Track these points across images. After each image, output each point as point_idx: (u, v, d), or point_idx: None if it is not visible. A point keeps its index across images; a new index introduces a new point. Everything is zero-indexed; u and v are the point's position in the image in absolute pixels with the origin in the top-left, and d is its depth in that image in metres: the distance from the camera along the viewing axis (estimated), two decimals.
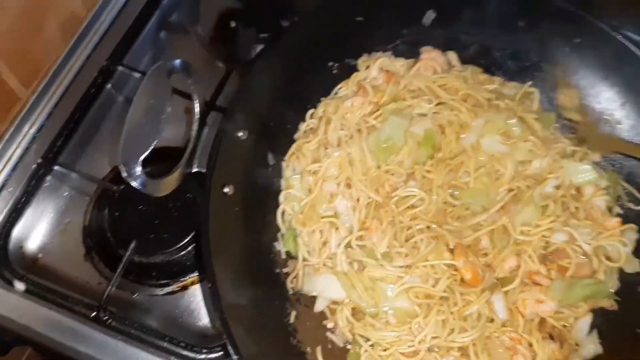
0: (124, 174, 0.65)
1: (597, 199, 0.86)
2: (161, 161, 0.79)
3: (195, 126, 0.73)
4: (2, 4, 0.83)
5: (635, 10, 0.95)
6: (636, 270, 0.84)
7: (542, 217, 0.82)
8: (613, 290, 0.83)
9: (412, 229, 0.81)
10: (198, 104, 0.73)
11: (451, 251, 0.78)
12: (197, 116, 0.73)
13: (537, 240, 0.81)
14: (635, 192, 0.89)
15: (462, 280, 0.77)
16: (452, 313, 0.76)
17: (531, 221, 0.81)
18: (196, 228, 0.88)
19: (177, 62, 0.71)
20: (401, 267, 0.79)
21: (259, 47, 1.04)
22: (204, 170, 0.73)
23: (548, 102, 0.95)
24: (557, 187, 0.84)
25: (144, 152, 0.66)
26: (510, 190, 0.83)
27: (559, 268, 0.83)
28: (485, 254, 0.80)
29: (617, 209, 0.88)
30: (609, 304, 0.82)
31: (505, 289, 0.79)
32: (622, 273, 0.84)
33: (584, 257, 0.83)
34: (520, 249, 0.81)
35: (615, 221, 0.87)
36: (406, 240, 0.81)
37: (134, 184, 0.66)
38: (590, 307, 0.82)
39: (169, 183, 0.69)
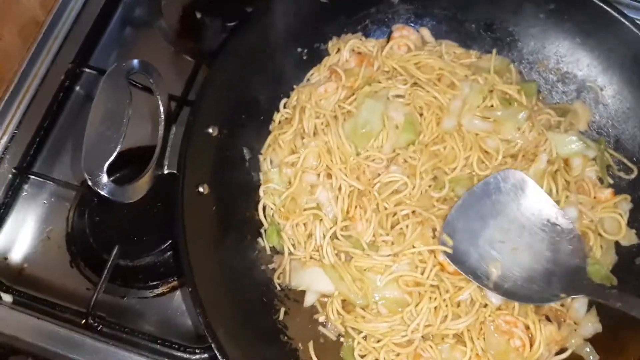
0: (90, 183, 0.64)
1: (587, 171, 0.85)
2: (132, 163, 0.77)
3: (161, 126, 0.71)
4: None
5: None
6: (632, 243, 0.83)
7: None
8: (611, 265, 0.82)
9: (397, 215, 0.80)
10: (162, 102, 0.71)
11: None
12: (162, 115, 0.71)
13: None
14: (625, 160, 0.88)
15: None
16: (444, 300, 0.75)
17: None
18: (172, 232, 0.87)
19: (135, 62, 0.69)
20: (388, 255, 0.78)
21: None
22: (175, 172, 0.71)
23: (529, 72, 0.94)
24: (548, 162, 0.83)
25: (107, 159, 0.64)
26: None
27: None
28: None
29: (608, 179, 0.87)
30: (608, 282, 0.80)
31: None
32: (618, 246, 0.83)
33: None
34: None
35: (608, 192, 0.86)
36: (392, 227, 0.80)
37: (102, 192, 0.64)
38: None
39: (140, 188, 0.68)
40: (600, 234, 0.83)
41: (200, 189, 0.73)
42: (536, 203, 0.78)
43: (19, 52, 0.96)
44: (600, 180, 0.88)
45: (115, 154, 0.64)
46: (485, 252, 0.77)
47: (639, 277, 0.80)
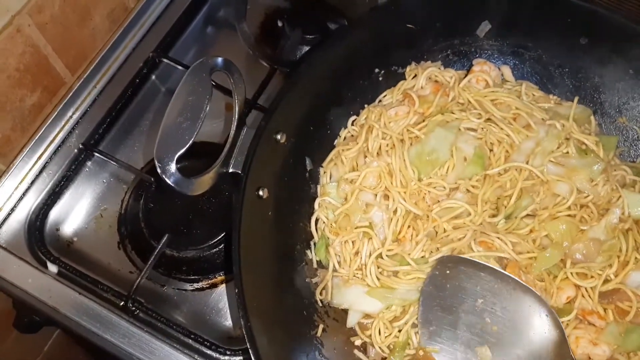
0: (159, 171, 0.64)
1: None
2: (197, 157, 0.78)
3: (234, 125, 0.72)
4: None
5: None
6: None
7: (607, 252, 0.78)
8: None
9: (454, 239, 0.78)
10: (238, 103, 0.71)
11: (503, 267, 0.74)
12: (236, 115, 0.71)
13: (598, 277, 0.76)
14: None
15: None
16: None
17: (595, 258, 0.76)
18: (227, 229, 0.87)
19: (220, 59, 0.70)
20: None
21: (305, 49, 1.03)
22: (239, 172, 0.71)
23: (608, 125, 0.90)
24: (620, 220, 0.79)
25: (179, 150, 0.65)
26: (570, 216, 0.78)
27: (617, 310, 0.78)
28: (542, 279, 0.76)
29: None
30: None
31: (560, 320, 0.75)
32: None
33: None
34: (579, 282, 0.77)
35: None
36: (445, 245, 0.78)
37: (168, 181, 0.65)
38: None
39: (203, 183, 0.68)
40: None
41: (260, 193, 0.73)
42: (488, 282, 0.75)
43: (105, 34, 1.00)
44: None
45: (187, 146, 0.64)
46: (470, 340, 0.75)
47: None
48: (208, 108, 0.67)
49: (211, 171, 0.69)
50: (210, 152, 0.78)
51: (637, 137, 0.89)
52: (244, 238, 0.69)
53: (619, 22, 0.84)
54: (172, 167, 0.65)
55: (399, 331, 0.77)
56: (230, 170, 0.72)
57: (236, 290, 0.65)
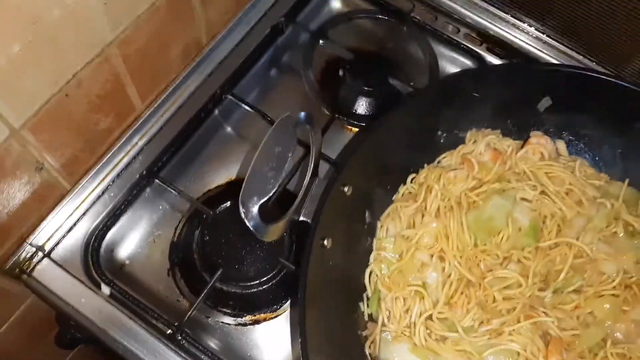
0: (242, 214, 0.67)
1: None
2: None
3: (308, 175, 0.75)
4: (139, 27, 0.88)
5: None
6: None
7: None
8: None
9: (502, 311, 0.80)
10: (314, 155, 0.75)
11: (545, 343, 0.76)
12: (311, 166, 0.75)
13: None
14: None
15: None
16: None
17: (635, 339, 0.79)
18: (277, 270, 0.90)
19: (303, 114, 0.74)
20: (487, 331, 0.78)
21: (363, 100, 1.06)
22: (309, 221, 0.74)
23: None
24: None
25: (263, 197, 0.68)
26: (615, 295, 0.81)
27: None
28: (583, 357, 0.78)
29: None
30: None
31: None
32: None
33: None
34: None
35: None
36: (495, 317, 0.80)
37: (248, 224, 0.68)
38: None
39: (278, 229, 0.71)
40: None
41: (325, 242, 0.76)
42: None
43: (178, 66, 1.04)
44: None
45: (270, 194, 0.67)
46: None
47: None
48: (291, 160, 0.70)
49: (286, 218, 0.72)
50: (278, 198, 0.81)
51: None
52: (310, 285, 0.71)
53: None
54: (255, 212, 0.68)
55: None
56: (301, 219, 0.75)
57: (300, 340, 0.68)
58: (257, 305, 0.93)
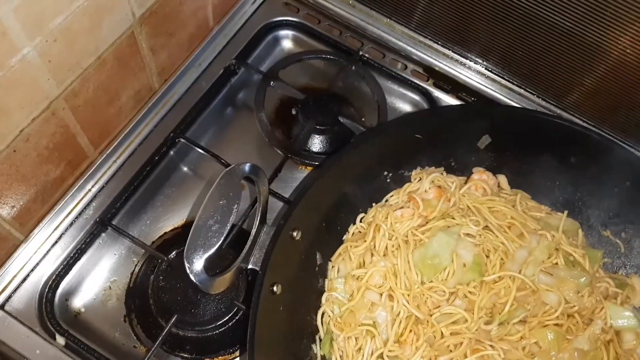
0: (187, 270, 0.69)
1: (638, 347, 0.87)
2: None
3: (256, 222, 0.77)
4: (86, 80, 0.89)
5: None
6: None
7: None
8: None
9: (450, 347, 0.83)
10: (261, 204, 0.77)
11: None
12: (258, 214, 0.77)
13: None
14: None
15: None
16: None
17: None
18: (232, 314, 0.91)
19: (248, 166, 0.76)
20: None
21: (316, 138, 1.09)
22: (257, 269, 0.76)
23: (594, 237, 0.98)
24: (602, 330, 0.86)
25: (207, 252, 0.70)
26: (558, 325, 0.84)
27: None
28: None
29: None
30: None
31: None
32: None
33: None
34: None
35: None
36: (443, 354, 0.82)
37: (194, 280, 0.69)
38: None
39: (225, 281, 0.73)
40: None
41: (275, 289, 0.78)
42: None
43: (129, 112, 1.05)
44: None
45: (214, 249, 0.69)
46: None
47: None
48: (236, 212, 0.72)
49: (232, 269, 0.73)
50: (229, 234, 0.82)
51: (621, 250, 0.97)
52: (258, 332, 0.73)
53: (605, 145, 0.93)
54: (199, 267, 0.69)
55: None
56: (250, 267, 0.76)
57: None
58: (214, 348, 0.94)
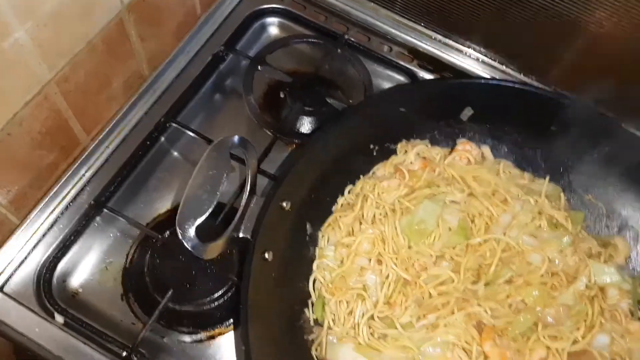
0: (180, 236, 0.71)
1: (622, 302, 0.90)
2: (210, 217, 0.85)
3: (245, 194, 0.80)
4: (77, 65, 0.91)
5: None
6: None
7: (575, 317, 0.86)
8: None
9: (438, 306, 0.85)
10: (250, 175, 0.80)
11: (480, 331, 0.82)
12: (248, 186, 0.79)
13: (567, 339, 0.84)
14: None
15: None
16: None
17: (564, 322, 0.85)
18: (228, 287, 0.93)
19: (236, 138, 0.78)
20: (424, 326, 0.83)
21: (304, 119, 1.12)
22: (249, 237, 0.79)
23: (577, 201, 1.01)
24: (586, 287, 0.89)
25: (199, 218, 0.72)
26: (543, 283, 0.87)
27: None
28: (516, 341, 0.84)
29: (638, 313, 0.92)
30: None
31: None
32: None
33: None
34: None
35: (638, 325, 0.90)
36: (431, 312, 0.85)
37: (187, 245, 0.72)
38: None
39: (217, 247, 0.75)
40: None
41: (266, 255, 0.80)
42: None
43: (120, 98, 1.08)
44: (631, 313, 0.92)
45: (206, 215, 0.71)
46: None
47: None
48: (225, 182, 0.75)
49: (224, 237, 0.76)
50: (219, 212, 0.85)
51: (603, 212, 1.00)
52: (251, 298, 0.75)
53: (582, 111, 0.96)
54: (192, 233, 0.72)
55: None
56: (241, 236, 0.79)
57: (243, 347, 0.71)
58: (211, 322, 0.96)
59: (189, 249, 0.71)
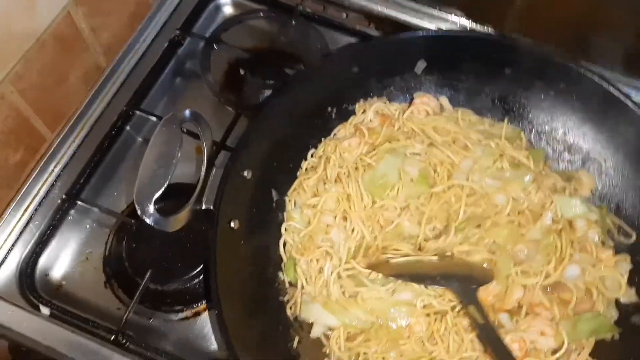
0: (139, 212, 0.73)
1: (589, 232, 0.91)
2: (174, 197, 0.87)
3: (204, 167, 0.81)
4: (29, 62, 0.92)
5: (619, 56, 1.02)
6: (631, 300, 0.89)
7: (545, 251, 0.88)
8: (612, 320, 0.88)
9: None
10: (206, 148, 0.81)
11: None
12: (205, 158, 0.81)
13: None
14: (624, 225, 0.94)
15: None
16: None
17: (535, 256, 0.87)
18: (205, 261, 0.95)
19: (187, 112, 0.80)
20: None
21: (266, 93, 1.13)
22: (211, 208, 0.80)
23: (537, 140, 1.02)
24: (553, 221, 0.90)
25: (156, 193, 0.74)
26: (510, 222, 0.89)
27: (560, 301, 0.88)
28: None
29: (609, 242, 0.94)
30: (611, 335, 0.86)
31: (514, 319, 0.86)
32: (617, 303, 0.89)
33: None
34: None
35: (609, 253, 0.92)
36: None
37: (148, 221, 0.73)
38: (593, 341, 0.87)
39: (180, 220, 0.77)
40: (602, 292, 0.89)
41: (232, 224, 0.82)
42: None
43: (81, 93, 1.09)
44: (602, 242, 0.94)
45: (162, 189, 0.73)
46: None
47: (634, 333, 0.86)
48: (179, 155, 0.76)
49: (186, 209, 0.78)
50: (185, 192, 0.87)
51: (563, 148, 1.01)
52: (220, 267, 0.77)
53: (533, 52, 0.97)
54: (151, 208, 0.73)
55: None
56: (204, 207, 0.81)
57: (217, 315, 0.73)
58: (194, 298, 0.98)
59: (151, 223, 0.72)
